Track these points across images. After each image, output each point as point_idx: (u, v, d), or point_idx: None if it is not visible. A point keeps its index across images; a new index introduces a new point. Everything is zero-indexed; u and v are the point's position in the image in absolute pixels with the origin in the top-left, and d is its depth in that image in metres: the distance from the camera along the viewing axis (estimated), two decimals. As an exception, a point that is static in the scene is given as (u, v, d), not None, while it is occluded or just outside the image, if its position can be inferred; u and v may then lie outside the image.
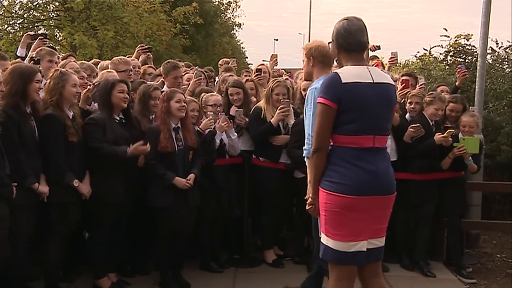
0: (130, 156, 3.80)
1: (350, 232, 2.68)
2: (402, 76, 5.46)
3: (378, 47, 6.94)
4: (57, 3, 17.81)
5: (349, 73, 2.71)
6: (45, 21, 18.19)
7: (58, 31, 18.08)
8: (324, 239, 2.77)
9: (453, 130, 4.63)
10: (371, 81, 2.71)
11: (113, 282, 4.10)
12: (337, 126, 2.69)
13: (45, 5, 17.98)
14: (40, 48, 4.70)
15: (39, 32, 17.36)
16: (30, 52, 5.11)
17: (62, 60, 4.99)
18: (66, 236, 3.81)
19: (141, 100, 4.31)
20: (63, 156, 3.66)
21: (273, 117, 4.52)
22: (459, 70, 5.63)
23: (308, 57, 3.36)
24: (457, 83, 5.64)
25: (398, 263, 4.87)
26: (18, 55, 5.16)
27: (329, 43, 3.18)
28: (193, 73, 5.31)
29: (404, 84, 5.09)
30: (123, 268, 4.34)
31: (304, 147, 3.24)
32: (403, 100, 4.98)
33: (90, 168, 3.86)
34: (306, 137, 3.21)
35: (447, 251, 5.03)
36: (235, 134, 4.67)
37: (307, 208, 2.91)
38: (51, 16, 18.23)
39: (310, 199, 2.86)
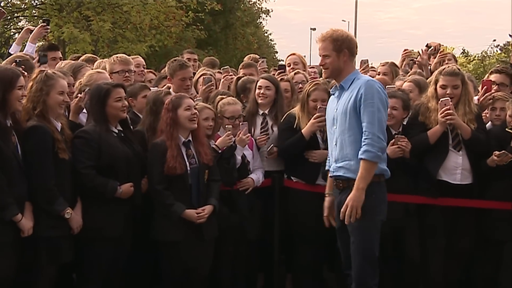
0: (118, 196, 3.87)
1: None
2: (489, 74, 5.24)
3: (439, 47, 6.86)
4: (41, -12, 18.26)
5: None
6: (26, 11, 18.61)
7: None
8: None
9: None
10: None
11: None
12: None
13: (27, -9, 18.43)
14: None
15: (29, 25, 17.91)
16: (28, 42, 5.38)
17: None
18: (55, 278, 3.82)
19: (152, 111, 4.34)
20: (53, 177, 3.68)
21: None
22: None
23: (340, 50, 3.76)
24: None
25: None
26: (12, 52, 5.31)
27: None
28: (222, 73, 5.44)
29: (486, 87, 4.87)
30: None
31: (363, 149, 3.57)
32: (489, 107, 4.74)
33: (82, 193, 3.89)
34: (369, 136, 3.59)
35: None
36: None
37: None
38: (34, 4, 18.63)
39: None
